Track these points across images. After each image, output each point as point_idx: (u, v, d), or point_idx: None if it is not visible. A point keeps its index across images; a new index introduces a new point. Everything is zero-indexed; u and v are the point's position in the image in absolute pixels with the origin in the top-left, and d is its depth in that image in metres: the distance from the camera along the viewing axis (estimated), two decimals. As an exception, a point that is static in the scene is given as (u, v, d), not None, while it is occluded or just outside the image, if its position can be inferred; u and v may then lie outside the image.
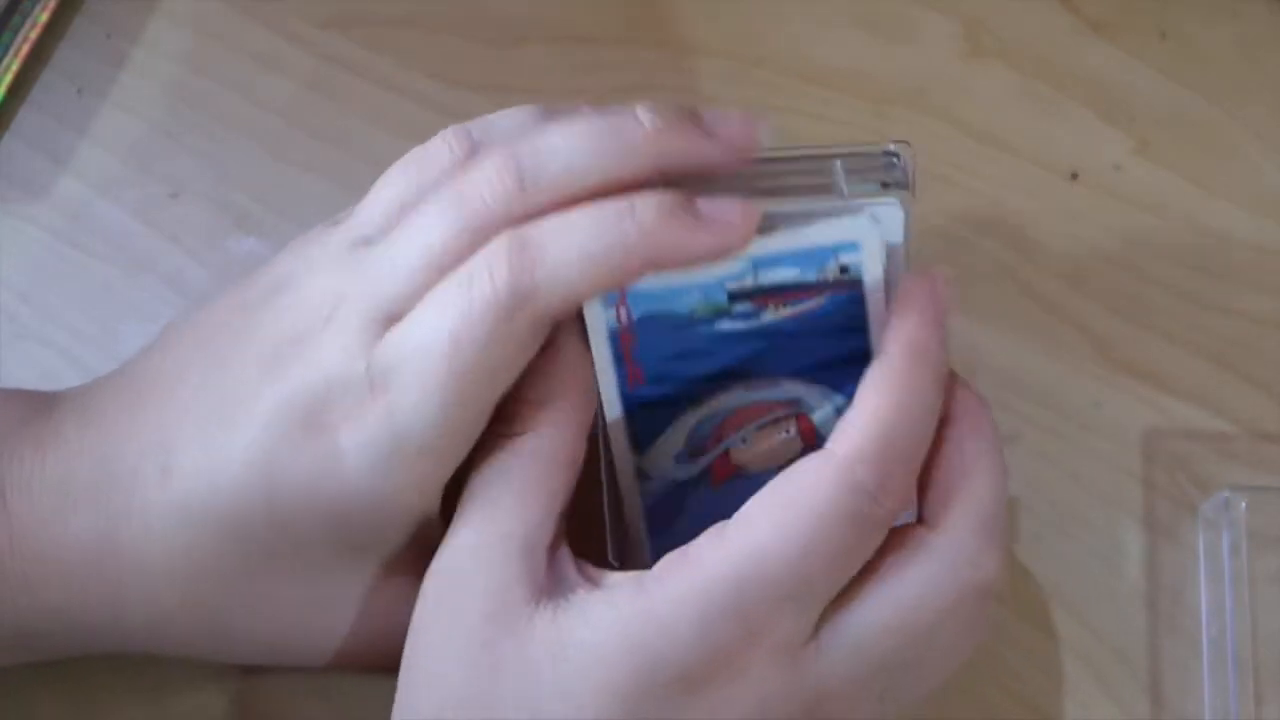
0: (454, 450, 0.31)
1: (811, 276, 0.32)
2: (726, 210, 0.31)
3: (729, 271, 0.32)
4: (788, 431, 0.34)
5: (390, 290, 0.31)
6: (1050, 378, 0.40)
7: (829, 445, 0.30)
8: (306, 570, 0.32)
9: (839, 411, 0.32)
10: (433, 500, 0.32)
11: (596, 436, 0.34)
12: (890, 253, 0.32)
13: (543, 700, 0.29)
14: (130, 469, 0.32)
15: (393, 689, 0.31)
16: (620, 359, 0.33)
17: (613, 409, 0.33)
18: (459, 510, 0.31)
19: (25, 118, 0.44)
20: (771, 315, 0.33)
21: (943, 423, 0.31)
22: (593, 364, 0.32)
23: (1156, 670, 0.37)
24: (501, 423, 0.32)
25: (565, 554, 0.31)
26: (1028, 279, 0.41)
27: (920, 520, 0.31)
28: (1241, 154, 0.42)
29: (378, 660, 0.33)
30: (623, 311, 0.32)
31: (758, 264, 0.32)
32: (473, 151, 0.33)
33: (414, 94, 0.44)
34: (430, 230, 0.31)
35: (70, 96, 0.44)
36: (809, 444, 0.34)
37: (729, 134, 0.32)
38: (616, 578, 0.30)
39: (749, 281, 0.32)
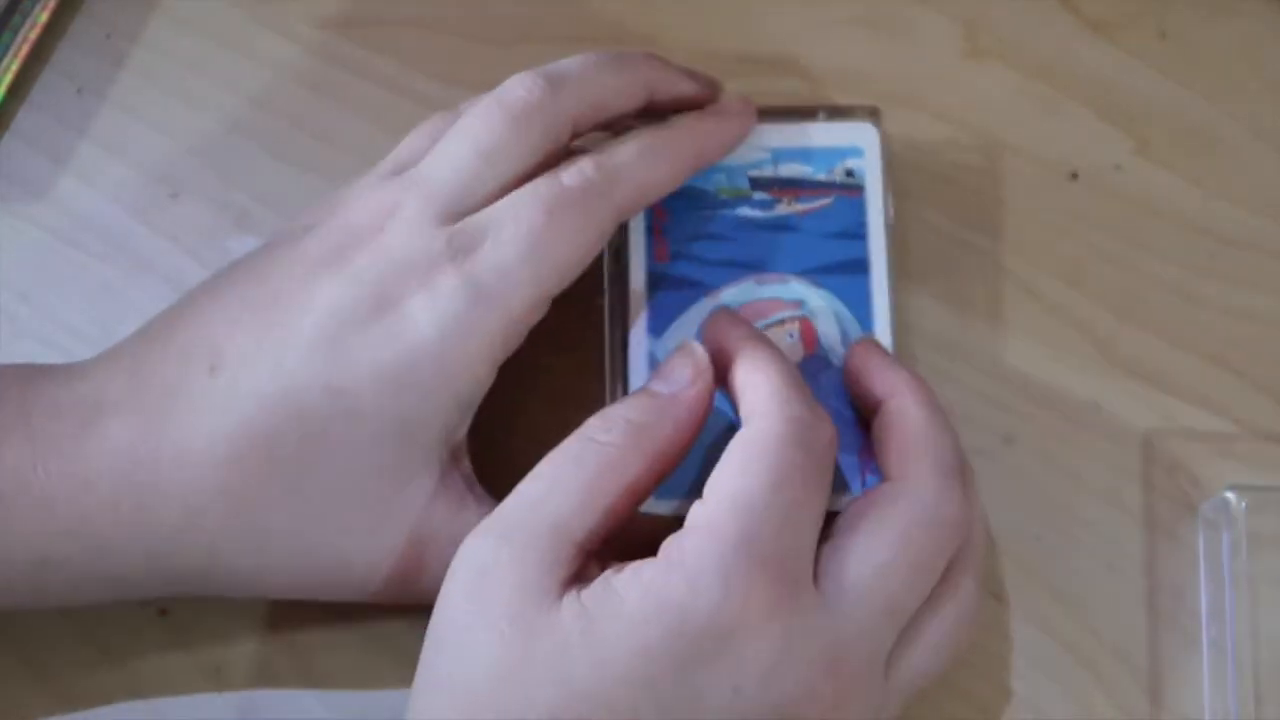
0: (523, 319, 0.34)
1: (821, 175, 0.38)
2: (733, 104, 0.38)
3: (752, 159, 0.39)
4: (791, 335, 0.37)
5: (450, 179, 0.34)
6: (1050, 378, 0.40)
7: (757, 402, 0.33)
8: (356, 451, 0.33)
9: (838, 319, 0.37)
10: (489, 372, 0.34)
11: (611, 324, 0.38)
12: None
13: (574, 667, 0.30)
14: (173, 371, 0.33)
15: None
16: (651, 230, 0.38)
17: (638, 280, 0.38)
18: (523, 482, 0.32)
19: (25, 118, 0.44)
20: (785, 209, 0.38)
21: (889, 396, 0.35)
22: (696, 410, 0.34)
23: (1156, 670, 0.37)
24: (595, 428, 0.33)
25: (596, 563, 0.32)
26: (1028, 279, 0.41)
27: (884, 483, 0.34)
28: (1241, 154, 0.42)
29: (401, 598, 0.35)
30: None
31: (776, 155, 0.39)
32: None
33: (414, 94, 0.44)
34: (476, 128, 0.35)
35: (70, 96, 0.44)
36: (809, 351, 0.37)
37: (701, 77, 0.38)
38: (639, 563, 0.31)
39: (768, 171, 0.39)
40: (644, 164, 0.35)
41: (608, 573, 0.31)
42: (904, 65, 0.44)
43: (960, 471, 0.34)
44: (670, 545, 0.31)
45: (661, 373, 0.35)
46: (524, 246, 0.33)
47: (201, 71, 0.44)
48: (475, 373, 0.34)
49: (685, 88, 0.38)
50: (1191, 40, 0.44)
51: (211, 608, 0.38)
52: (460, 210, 0.34)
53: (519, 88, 0.35)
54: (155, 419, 0.33)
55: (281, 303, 0.34)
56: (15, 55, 0.44)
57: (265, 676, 0.38)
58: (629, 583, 0.30)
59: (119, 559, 0.33)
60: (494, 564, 0.31)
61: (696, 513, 0.31)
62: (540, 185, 0.34)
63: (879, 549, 0.32)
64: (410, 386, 0.33)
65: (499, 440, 0.37)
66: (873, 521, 0.32)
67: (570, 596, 0.30)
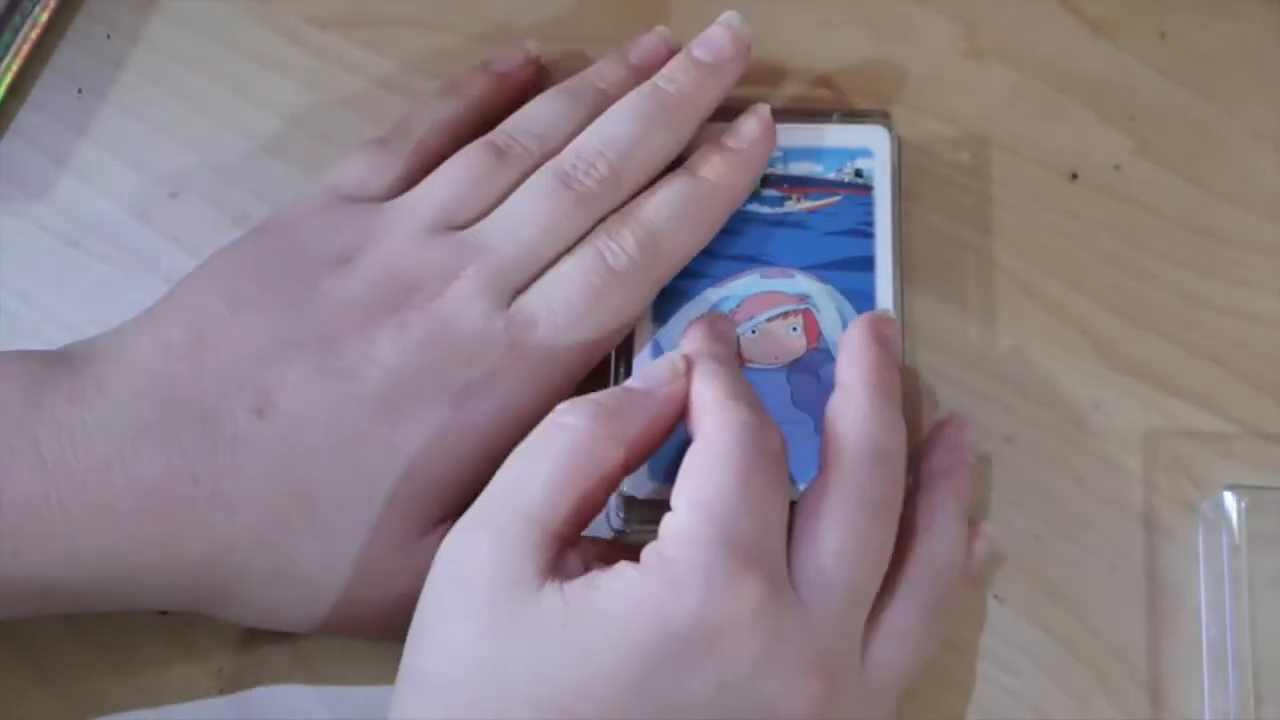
0: (559, 389, 0.36)
1: (831, 174, 0.39)
2: (750, 130, 0.39)
3: None
4: (794, 328, 0.38)
5: (513, 256, 0.36)
6: (1050, 378, 0.40)
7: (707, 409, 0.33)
8: (389, 502, 0.34)
9: (841, 315, 0.38)
10: (521, 438, 0.34)
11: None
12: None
13: (553, 660, 0.30)
14: (211, 407, 0.33)
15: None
16: None
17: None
18: (495, 477, 0.32)
19: (25, 118, 0.44)
20: (794, 206, 0.39)
21: (839, 383, 0.35)
22: (669, 406, 0.34)
23: (1156, 670, 0.37)
24: (562, 410, 0.33)
25: (576, 557, 0.32)
26: (1028, 279, 0.41)
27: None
28: (1241, 154, 0.42)
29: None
30: None
31: (787, 154, 0.40)
32: (507, 153, 0.38)
33: (414, 94, 0.44)
34: (541, 206, 0.36)
35: (70, 96, 0.44)
36: (812, 345, 0.38)
37: (723, 54, 0.39)
38: (621, 560, 0.31)
39: (779, 168, 0.40)
40: (686, 233, 0.37)
41: (592, 571, 0.31)
42: (904, 65, 0.44)
43: (891, 456, 0.34)
44: (650, 551, 0.31)
45: (640, 375, 0.35)
46: (575, 332, 0.36)
47: (201, 71, 0.44)
48: (515, 439, 0.34)
49: (716, 92, 0.39)
50: (1191, 40, 0.44)
51: (211, 608, 0.38)
52: (514, 285, 0.36)
53: (585, 175, 0.37)
54: (191, 456, 0.33)
55: (337, 351, 0.34)
56: (15, 55, 0.44)
57: (265, 676, 0.37)
58: (612, 581, 0.30)
59: (130, 586, 0.33)
60: (470, 555, 0.31)
61: (669, 521, 0.31)
62: (588, 265, 0.36)
63: (829, 537, 0.32)
64: (459, 453, 0.35)
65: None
66: (817, 514, 0.32)
67: (551, 587, 0.30)
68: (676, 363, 0.34)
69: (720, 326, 0.36)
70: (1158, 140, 0.43)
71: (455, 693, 0.30)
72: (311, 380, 0.34)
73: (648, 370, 0.34)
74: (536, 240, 0.36)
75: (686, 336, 0.36)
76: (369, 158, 0.39)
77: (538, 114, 0.39)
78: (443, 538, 0.32)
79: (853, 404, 0.34)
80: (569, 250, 0.37)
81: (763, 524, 0.31)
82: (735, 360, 0.36)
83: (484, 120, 0.40)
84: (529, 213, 0.36)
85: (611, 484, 0.33)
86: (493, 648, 0.30)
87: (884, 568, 0.33)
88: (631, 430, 0.33)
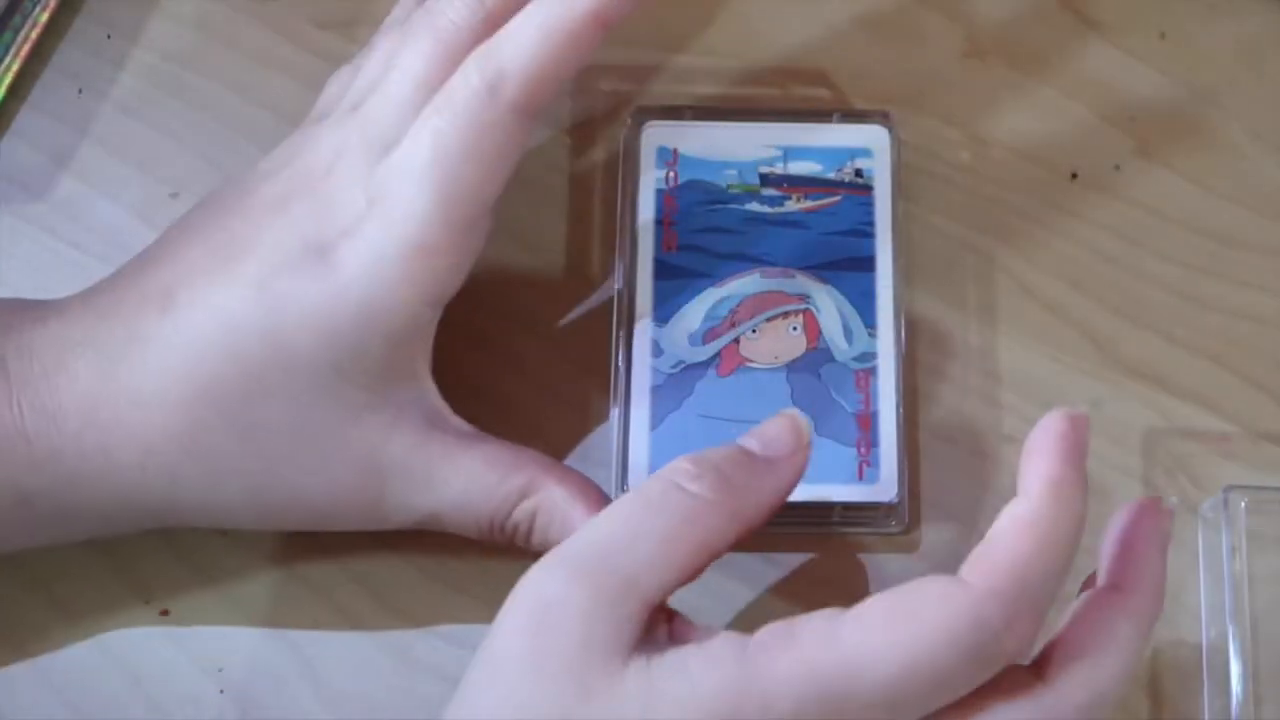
0: (447, 250, 0.34)
1: (831, 174, 0.39)
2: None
3: (763, 156, 0.40)
4: (794, 328, 0.38)
5: (384, 120, 0.34)
6: (1050, 378, 0.40)
7: (963, 572, 0.29)
8: (296, 394, 0.34)
9: (841, 314, 0.38)
10: (421, 312, 0.34)
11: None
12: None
13: None
14: (131, 311, 0.34)
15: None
16: (660, 221, 0.39)
17: (645, 268, 0.38)
18: (598, 518, 0.31)
19: (25, 118, 0.44)
20: (794, 205, 0.39)
21: (1111, 587, 0.31)
22: (789, 480, 0.32)
23: (1156, 670, 0.37)
24: (684, 473, 0.31)
25: (664, 626, 0.30)
26: (1028, 279, 0.41)
27: (1035, 666, 0.30)
28: (1242, 154, 0.42)
29: (368, 525, 0.35)
30: (672, 175, 0.39)
31: (788, 153, 0.40)
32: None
33: (414, 94, 0.43)
34: (412, 63, 0.34)
35: (70, 96, 0.44)
36: (811, 345, 0.38)
37: None
38: (717, 639, 0.29)
39: (779, 168, 0.40)
40: (535, 51, 0.33)
41: (681, 647, 0.29)
42: (904, 65, 0.44)
43: (1107, 702, 0.30)
44: (765, 643, 0.29)
45: (761, 434, 0.32)
46: (424, 181, 0.33)
47: (201, 71, 0.44)
48: (406, 315, 0.34)
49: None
50: (1191, 40, 0.44)
51: (211, 607, 0.38)
52: (394, 141, 0.34)
53: (450, 9, 0.35)
54: (112, 359, 0.34)
55: (230, 245, 0.34)
56: (15, 55, 0.44)
57: (265, 676, 0.37)
58: (703, 665, 0.28)
59: (88, 493, 0.34)
60: (561, 604, 0.29)
61: (812, 635, 0.28)
62: (429, 108, 0.34)
63: (1111, 659, 0.29)
64: (339, 333, 0.33)
65: (494, 429, 0.37)
66: (988, 709, 0.29)
67: (638, 663, 0.28)
68: (801, 429, 0.32)
69: (1083, 440, 0.30)
70: (1158, 140, 0.43)
71: None
72: (204, 273, 0.34)
73: (769, 432, 0.32)
74: (408, 95, 0.34)
75: (1044, 446, 0.29)
76: (339, 76, 0.38)
77: None
78: (384, 426, 0.34)
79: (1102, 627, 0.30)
80: None
81: (900, 700, 0.28)
82: (1080, 498, 0.29)
83: None
84: (399, 70, 0.35)
85: (715, 555, 0.31)
86: (564, 712, 0.28)
87: None
88: (749, 506, 0.31)
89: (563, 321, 0.40)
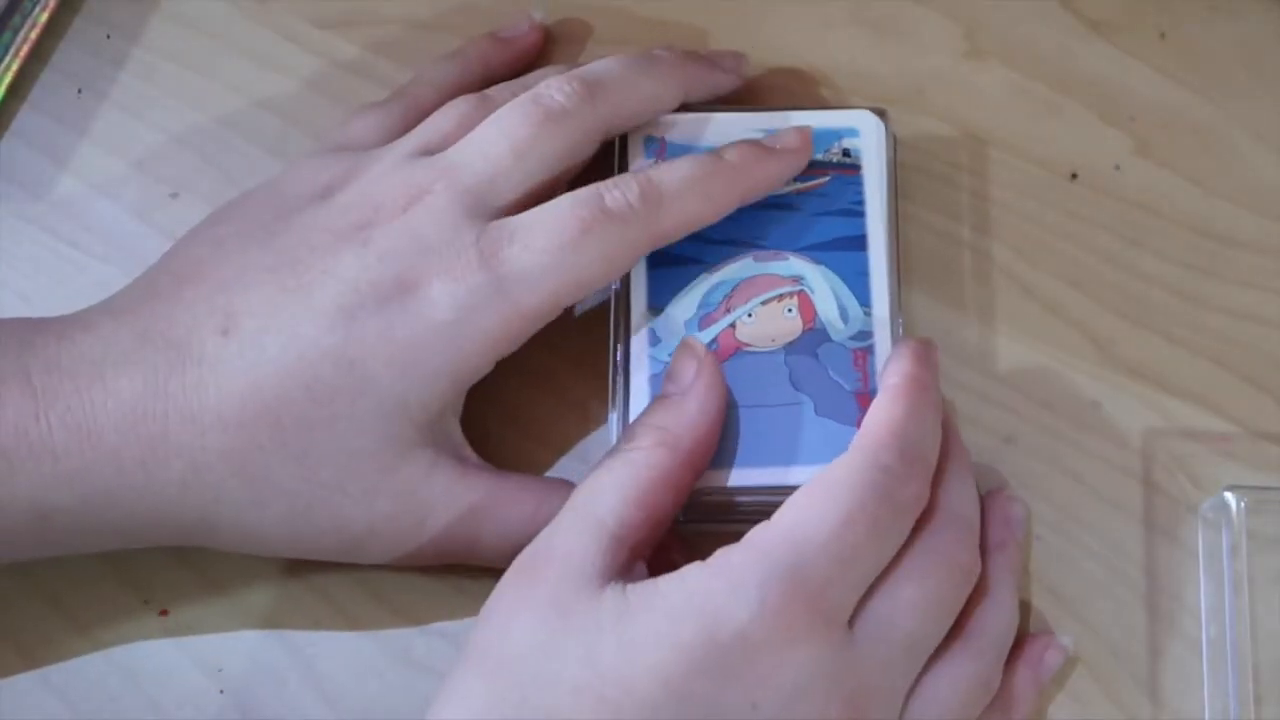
0: (532, 323, 0.35)
1: (819, 154, 0.39)
2: (789, 139, 0.39)
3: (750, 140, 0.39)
4: (790, 310, 0.38)
5: (482, 170, 0.35)
6: (1050, 378, 0.40)
7: (853, 443, 0.33)
8: (358, 422, 0.34)
9: (836, 294, 0.38)
10: (491, 363, 0.35)
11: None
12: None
13: (603, 653, 0.31)
14: (183, 332, 0.34)
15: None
16: None
17: (639, 260, 0.38)
18: (569, 500, 0.34)
19: (25, 118, 0.44)
20: (783, 188, 0.39)
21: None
22: (708, 399, 0.35)
23: (1156, 670, 0.37)
24: (625, 438, 0.35)
25: (643, 568, 0.34)
26: (1028, 279, 0.41)
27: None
28: (1241, 154, 0.42)
29: (402, 562, 0.36)
30: (660, 163, 0.38)
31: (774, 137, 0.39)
32: (494, 98, 0.38)
33: (414, 94, 0.43)
34: (512, 124, 0.36)
35: (70, 96, 0.44)
36: (808, 325, 0.38)
37: (728, 62, 0.41)
38: (685, 566, 0.32)
39: None
40: (693, 199, 0.36)
41: (660, 577, 0.32)
42: (904, 65, 0.44)
43: (974, 524, 0.35)
44: (720, 554, 0.32)
45: (671, 374, 0.36)
46: (553, 258, 0.34)
47: (201, 71, 0.44)
48: (478, 363, 0.35)
49: (720, 82, 0.40)
50: (1191, 40, 0.44)
51: (211, 607, 0.38)
52: (488, 203, 0.35)
53: (557, 92, 0.36)
54: (163, 375, 0.34)
55: (299, 271, 0.34)
56: (15, 55, 0.44)
57: (265, 676, 0.38)
58: (672, 581, 0.31)
59: (121, 511, 0.34)
60: (541, 549, 0.33)
61: (756, 532, 0.32)
62: (581, 199, 0.35)
63: (906, 587, 0.33)
64: (417, 366, 0.34)
65: (493, 429, 0.37)
66: (899, 562, 0.33)
67: (614, 587, 0.31)
68: (698, 352, 0.36)
69: (933, 355, 0.36)
70: (1158, 140, 0.43)
71: (505, 670, 0.31)
72: (272, 298, 0.34)
73: (674, 369, 0.36)
74: (505, 155, 0.36)
75: (898, 355, 0.35)
76: (366, 115, 0.39)
77: (534, 78, 0.39)
78: (427, 463, 0.34)
79: (950, 475, 0.35)
80: (555, 179, 0.37)
81: (843, 570, 0.31)
82: (935, 389, 0.35)
83: (485, 84, 0.40)
84: (498, 129, 0.36)
85: (679, 492, 0.34)
86: (548, 633, 0.31)
87: (945, 631, 0.33)
88: (684, 439, 0.34)
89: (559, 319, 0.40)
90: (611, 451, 0.35)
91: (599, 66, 0.38)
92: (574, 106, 0.36)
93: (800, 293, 0.38)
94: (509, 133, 0.36)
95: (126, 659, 0.38)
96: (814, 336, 0.38)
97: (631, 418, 0.36)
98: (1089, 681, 0.37)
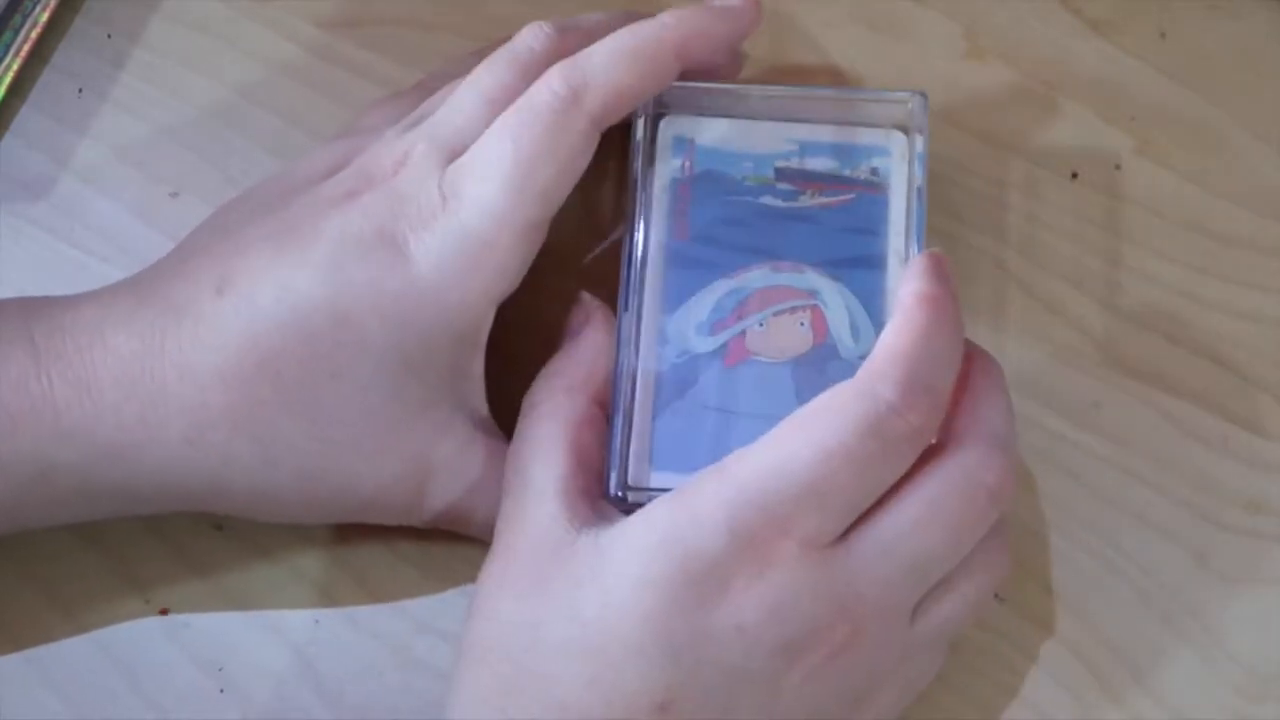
0: (514, 249, 0.35)
1: (846, 171, 0.39)
2: (732, 2, 0.37)
3: (779, 151, 0.39)
4: (802, 324, 0.37)
5: (454, 124, 0.36)
6: (1050, 378, 0.40)
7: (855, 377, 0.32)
8: (362, 380, 0.34)
9: (849, 312, 0.37)
10: (485, 310, 0.35)
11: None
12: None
13: (585, 605, 0.31)
14: (179, 292, 0.34)
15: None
16: (674, 211, 0.39)
17: (656, 255, 0.38)
18: (504, 482, 0.35)
19: (25, 118, 0.44)
20: (807, 200, 0.39)
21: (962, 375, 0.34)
22: (597, 343, 0.36)
23: (1156, 670, 0.37)
24: (531, 402, 0.36)
25: (608, 506, 0.34)
26: (1028, 279, 0.41)
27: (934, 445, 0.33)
28: (1242, 154, 0.42)
29: (403, 521, 0.36)
30: (688, 164, 0.39)
31: (804, 148, 0.40)
32: None
33: (414, 94, 0.43)
34: (485, 79, 0.36)
35: (70, 96, 0.44)
36: (819, 340, 0.37)
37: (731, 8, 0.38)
38: (655, 501, 0.32)
39: (795, 163, 0.39)
40: (619, 72, 0.35)
41: (622, 518, 0.32)
42: (904, 65, 0.44)
43: (1008, 442, 0.34)
44: (690, 483, 0.32)
45: (566, 329, 0.37)
46: (500, 179, 0.34)
47: (202, 71, 0.44)
48: (472, 312, 0.35)
49: (710, 31, 0.37)
50: (1191, 40, 0.44)
51: (212, 607, 0.38)
52: (462, 146, 0.35)
53: (530, 38, 0.36)
54: (160, 334, 0.34)
55: (296, 232, 0.35)
56: (15, 55, 0.44)
57: (265, 676, 0.38)
58: (642, 519, 0.32)
59: (125, 469, 0.34)
60: (507, 535, 0.33)
61: (733, 458, 0.32)
62: (509, 111, 0.35)
63: (914, 508, 0.32)
64: (410, 324, 0.34)
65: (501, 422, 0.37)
66: (913, 481, 0.32)
67: (586, 536, 0.32)
68: (584, 302, 0.37)
69: (945, 268, 0.34)
70: (1158, 140, 0.43)
71: (497, 652, 0.32)
72: (268, 258, 0.34)
73: (569, 323, 0.37)
74: (476, 104, 0.36)
75: (910, 273, 0.34)
76: (383, 105, 0.40)
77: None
78: (439, 424, 0.35)
79: (980, 393, 0.34)
80: None
81: (819, 503, 0.31)
82: (950, 307, 0.33)
83: None
84: (469, 84, 0.36)
85: (597, 424, 0.35)
86: (531, 604, 0.32)
87: (963, 552, 0.33)
88: (577, 375, 0.35)
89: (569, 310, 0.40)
90: (522, 416, 0.35)
91: (579, 17, 0.38)
92: (543, 49, 0.36)
93: (814, 307, 0.38)
94: (481, 86, 0.36)
95: (127, 658, 0.38)
96: (823, 352, 0.38)
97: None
98: (1089, 681, 0.37)
